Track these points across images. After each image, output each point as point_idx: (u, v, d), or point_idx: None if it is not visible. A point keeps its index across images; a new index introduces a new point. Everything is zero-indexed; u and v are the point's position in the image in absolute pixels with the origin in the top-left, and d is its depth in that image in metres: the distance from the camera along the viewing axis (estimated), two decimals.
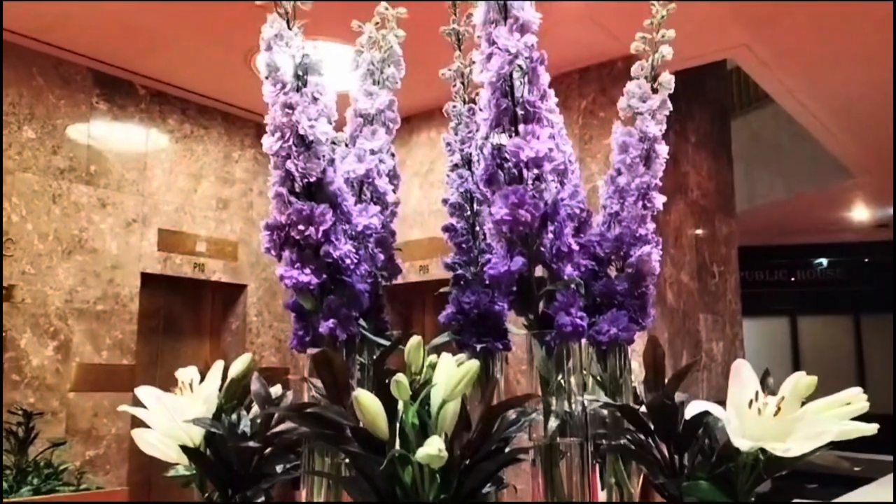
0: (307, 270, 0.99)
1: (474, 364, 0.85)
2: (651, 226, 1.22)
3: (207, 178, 5.14)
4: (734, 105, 6.91)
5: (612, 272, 1.24)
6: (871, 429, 0.87)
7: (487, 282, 1.05)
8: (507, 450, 0.94)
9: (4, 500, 3.21)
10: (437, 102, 1.33)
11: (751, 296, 7.84)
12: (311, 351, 0.98)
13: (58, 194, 4.30)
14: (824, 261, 10.69)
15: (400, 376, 0.83)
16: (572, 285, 1.02)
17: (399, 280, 1.29)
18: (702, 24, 4.01)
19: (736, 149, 5.87)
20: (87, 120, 4.51)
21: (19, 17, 3.97)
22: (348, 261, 1.01)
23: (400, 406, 0.86)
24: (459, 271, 1.26)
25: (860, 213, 8.60)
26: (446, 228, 1.29)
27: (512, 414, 0.93)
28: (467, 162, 1.31)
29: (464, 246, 1.28)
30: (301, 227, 1.00)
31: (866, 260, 10.28)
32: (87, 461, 4.22)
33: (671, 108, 1.25)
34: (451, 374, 0.84)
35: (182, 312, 5.22)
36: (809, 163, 7.12)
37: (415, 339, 0.90)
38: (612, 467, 1.15)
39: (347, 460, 0.94)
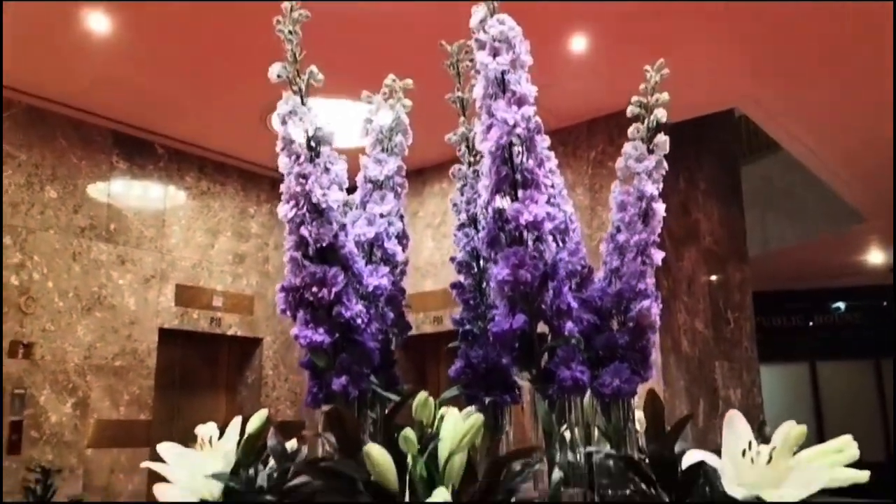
0: (321, 330, 1.05)
1: (479, 418, 0.89)
2: (650, 280, 1.27)
3: (224, 234, 5.25)
4: (744, 151, 6.96)
5: (615, 326, 1.28)
6: (863, 476, 0.90)
7: (491, 339, 1.10)
8: (512, 500, 0.97)
9: None
10: (449, 156, 1.40)
11: (768, 342, 7.77)
12: (325, 408, 1.03)
13: (78, 252, 4.40)
14: (842, 305, 10.60)
15: (408, 431, 0.87)
16: (572, 341, 1.06)
17: (413, 331, 1.34)
18: (708, 74, 4.11)
19: (747, 194, 5.90)
20: (108, 179, 4.64)
21: (45, 83, 4.13)
22: (359, 320, 1.07)
23: (409, 459, 0.91)
24: (467, 327, 1.31)
25: (875, 256, 8.58)
26: (454, 286, 1.35)
27: (517, 465, 0.97)
28: (473, 221, 1.37)
29: (471, 302, 1.33)
30: (314, 289, 1.05)
31: (884, 304, 10.19)
32: None
33: (667, 169, 1.30)
34: (456, 428, 0.89)
35: (198, 367, 5.28)
36: (822, 207, 7.14)
37: (421, 396, 0.95)
38: None
39: None
